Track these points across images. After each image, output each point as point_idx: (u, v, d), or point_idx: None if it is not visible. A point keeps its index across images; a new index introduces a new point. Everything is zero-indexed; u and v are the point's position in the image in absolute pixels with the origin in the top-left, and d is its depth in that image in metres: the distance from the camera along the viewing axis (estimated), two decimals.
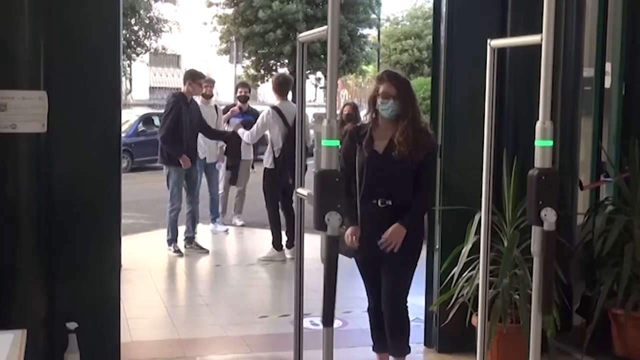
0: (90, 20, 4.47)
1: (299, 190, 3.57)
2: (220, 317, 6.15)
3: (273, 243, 8.20)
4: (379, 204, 4.28)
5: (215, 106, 9.55)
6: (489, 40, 3.70)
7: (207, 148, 9.29)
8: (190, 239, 8.63)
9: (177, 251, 8.41)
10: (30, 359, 2.42)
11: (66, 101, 4.33)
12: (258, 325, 5.95)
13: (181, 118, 8.14)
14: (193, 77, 8.56)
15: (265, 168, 8.06)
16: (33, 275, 4.19)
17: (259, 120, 8.24)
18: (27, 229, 4.24)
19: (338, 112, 10.29)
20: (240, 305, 6.63)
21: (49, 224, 4.29)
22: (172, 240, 8.42)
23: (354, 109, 9.94)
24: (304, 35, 3.69)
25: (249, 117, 9.76)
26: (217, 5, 29.89)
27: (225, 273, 8.03)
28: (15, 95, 4.16)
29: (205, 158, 9.34)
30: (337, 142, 2.80)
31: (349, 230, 4.35)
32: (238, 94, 10.11)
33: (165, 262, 8.18)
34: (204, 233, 9.40)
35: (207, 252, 8.62)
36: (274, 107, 8.06)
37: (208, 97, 9.32)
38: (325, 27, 3.26)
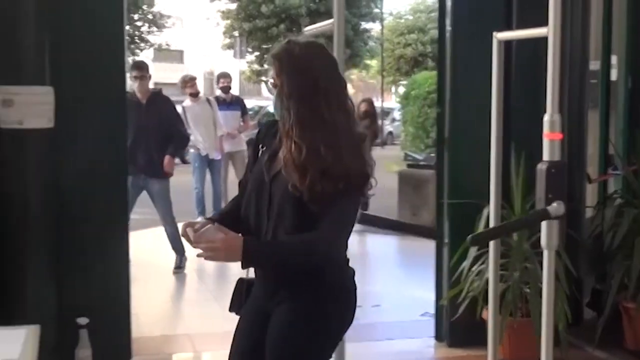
0: (96, 16, 4.47)
1: None
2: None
3: None
4: None
5: (208, 99, 9.50)
6: (494, 33, 3.70)
7: (207, 145, 9.27)
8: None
9: None
10: (41, 354, 2.43)
11: (72, 96, 4.34)
12: None
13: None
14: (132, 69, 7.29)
15: None
16: (43, 272, 4.20)
17: None
18: (36, 225, 4.24)
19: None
20: None
21: (58, 220, 4.30)
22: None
23: (371, 105, 9.92)
24: (309, 29, 3.70)
25: (235, 107, 9.76)
26: (219, 0, 29.90)
27: (233, 267, 8.02)
28: (22, 91, 4.16)
29: (207, 155, 9.34)
30: None
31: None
32: (220, 85, 10.04)
33: (174, 258, 8.19)
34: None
35: None
36: None
37: (195, 95, 9.25)
38: (330, 20, 3.28)
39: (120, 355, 4.63)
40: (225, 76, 10.36)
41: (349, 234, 2.58)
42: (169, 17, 30.87)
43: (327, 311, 2.60)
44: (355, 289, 2.70)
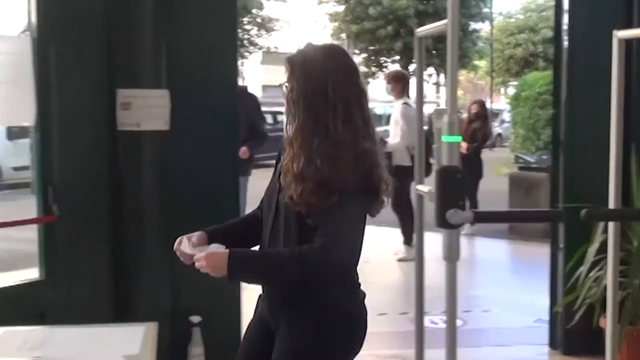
0: (209, 21, 4.56)
1: (419, 187, 3.55)
2: None
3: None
4: None
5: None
6: (614, 32, 3.57)
7: None
8: None
9: None
10: (158, 351, 2.48)
11: (186, 100, 4.44)
12: (377, 323, 5.93)
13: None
14: None
15: (399, 166, 7.56)
16: (158, 270, 4.31)
17: (402, 117, 7.90)
18: (151, 225, 4.35)
19: (464, 110, 10.13)
20: None
21: (172, 220, 4.40)
22: None
23: (482, 107, 9.81)
24: (422, 30, 3.66)
25: None
26: (327, 2, 30.09)
27: None
28: (140, 94, 4.29)
29: None
30: (458, 138, 2.77)
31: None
32: None
33: None
34: None
35: None
36: (406, 103, 7.96)
37: None
38: (443, 21, 3.23)
39: (231, 353, 4.65)
40: None
41: (353, 253, 2.41)
42: (277, 20, 31.28)
43: (323, 337, 2.45)
44: (363, 314, 2.55)
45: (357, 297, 2.56)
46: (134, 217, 4.32)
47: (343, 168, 2.33)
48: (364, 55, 30.16)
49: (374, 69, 30.34)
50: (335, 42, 25.12)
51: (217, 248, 2.43)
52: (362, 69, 30.31)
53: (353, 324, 2.53)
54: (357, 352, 2.56)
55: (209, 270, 2.38)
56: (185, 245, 2.51)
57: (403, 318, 5.93)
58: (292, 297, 2.45)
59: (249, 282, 2.64)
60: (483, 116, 9.91)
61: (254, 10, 29.67)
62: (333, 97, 2.38)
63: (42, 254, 4.08)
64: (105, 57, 4.27)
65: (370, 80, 30.91)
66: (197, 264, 2.40)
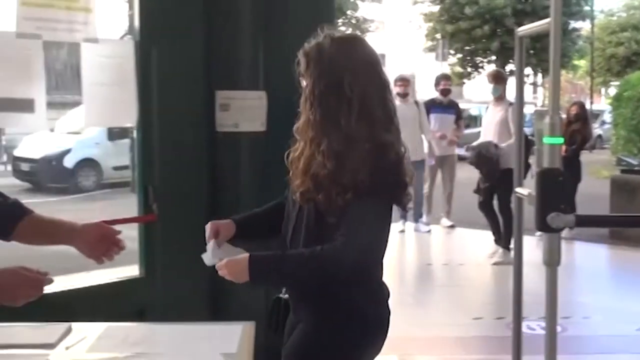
0: (307, 22, 4.57)
1: (518, 189, 3.49)
2: (432, 316, 6.13)
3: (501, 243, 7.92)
4: None
5: (416, 102, 9.52)
6: None
7: (409, 146, 9.30)
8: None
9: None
10: (255, 350, 2.51)
11: (282, 101, 4.46)
12: (472, 327, 5.87)
13: None
14: None
15: (509, 169, 7.41)
16: None
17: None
18: None
19: (562, 112, 9.88)
20: (453, 305, 6.57)
21: None
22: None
23: (582, 108, 9.62)
24: (523, 29, 3.60)
25: (450, 111, 9.69)
26: (422, 2, 29.88)
27: (435, 272, 8.00)
28: (237, 96, 4.34)
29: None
30: (560, 140, 2.72)
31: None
32: (442, 87, 9.95)
33: None
34: (407, 231, 9.51)
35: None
36: (512, 104, 7.76)
37: (403, 95, 9.31)
38: (545, 20, 3.17)
39: None
40: (446, 78, 10.36)
41: (373, 251, 2.32)
42: (372, 21, 31.24)
43: (337, 338, 2.39)
44: (383, 315, 2.47)
45: (376, 296, 2.48)
46: (230, 214, 4.37)
47: (352, 164, 2.26)
48: (459, 55, 29.79)
49: (469, 69, 29.93)
50: (431, 43, 24.69)
51: (233, 251, 2.48)
52: (457, 69, 29.99)
53: (369, 325, 2.43)
54: (373, 354, 2.48)
55: (231, 278, 2.39)
56: (209, 248, 2.51)
57: (499, 323, 5.83)
58: (309, 293, 2.43)
59: (272, 285, 2.62)
60: (583, 118, 9.68)
61: (348, 12, 29.71)
62: (349, 90, 2.30)
63: (141, 251, 4.18)
64: (205, 60, 4.35)
65: (465, 80, 30.56)
66: (219, 272, 2.41)
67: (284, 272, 2.36)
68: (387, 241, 2.37)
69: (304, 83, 2.45)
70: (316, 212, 2.34)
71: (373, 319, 2.44)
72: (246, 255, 2.36)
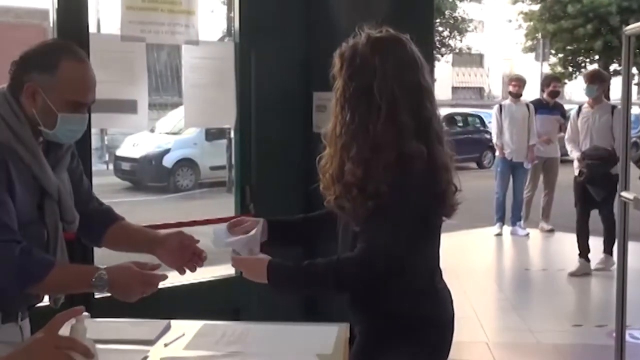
0: (405, 23, 4.54)
1: (624, 193, 3.39)
2: (530, 322, 6.01)
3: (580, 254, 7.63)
4: None
5: (527, 104, 9.38)
6: None
7: (515, 148, 9.19)
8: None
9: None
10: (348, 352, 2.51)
11: None
12: (572, 334, 5.73)
13: None
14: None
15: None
16: None
17: (616, 121, 7.28)
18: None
19: None
20: (551, 311, 6.42)
21: None
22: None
23: None
24: (632, 28, 3.50)
25: (555, 112, 9.51)
26: (522, 2, 29.34)
27: (533, 277, 7.84)
28: (333, 97, 4.36)
29: (511, 159, 9.24)
30: None
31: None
32: (551, 88, 9.69)
33: (474, 263, 8.17)
34: (504, 235, 9.37)
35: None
36: (615, 106, 7.45)
37: (516, 95, 9.27)
38: None
39: None
40: (556, 80, 10.19)
41: (394, 260, 2.21)
42: (470, 21, 30.90)
43: (390, 346, 2.31)
44: (442, 320, 2.39)
45: (434, 302, 2.39)
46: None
47: (377, 173, 2.17)
48: (560, 55, 29.13)
49: (570, 69, 29.24)
50: (531, 43, 24.05)
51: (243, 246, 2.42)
52: (558, 69, 29.33)
53: (426, 329, 2.35)
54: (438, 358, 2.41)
55: (249, 277, 2.36)
56: (219, 231, 2.48)
57: (600, 331, 5.68)
58: (357, 302, 2.38)
59: (291, 293, 2.56)
60: None
61: (447, 12, 29.46)
62: (378, 94, 2.19)
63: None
64: (303, 61, 4.39)
65: (566, 81, 29.86)
66: (232, 264, 2.41)
67: (300, 283, 2.34)
68: (420, 249, 2.31)
69: (336, 85, 2.33)
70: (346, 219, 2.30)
71: (431, 321, 2.37)
72: (265, 259, 2.32)
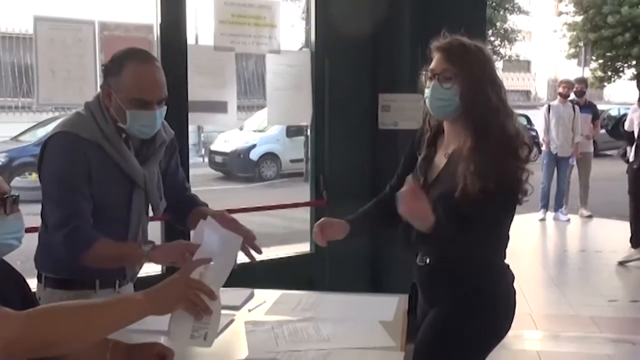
0: (461, 33, 4.49)
1: None
2: (569, 297, 5.88)
3: (631, 240, 7.23)
4: (418, 261, 2.43)
5: (574, 105, 9.19)
6: None
7: (560, 144, 9.05)
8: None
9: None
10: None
11: None
12: (607, 308, 5.58)
13: None
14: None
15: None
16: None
17: None
18: None
19: None
20: (589, 288, 6.27)
21: None
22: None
23: None
24: None
25: (587, 111, 9.37)
26: (566, 13, 28.59)
27: (572, 258, 7.66)
28: (398, 99, 4.34)
29: (556, 153, 9.10)
30: None
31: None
32: (575, 89, 9.54)
33: (520, 244, 8.01)
34: (547, 220, 9.19)
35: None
36: None
37: (564, 96, 9.12)
38: None
39: None
40: (581, 82, 9.99)
41: (500, 238, 2.30)
42: (519, 31, 30.29)
43: (468, 315, 2.27)
44: (508, 294, 2.39)
45: (504, 278, 2.41)
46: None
47: (494, 163, 2.13)
48: (600, 61, 28.29)
49: (610, 73, 28.38)
50: (574, 50, 23.43)
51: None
52: (598, 73, 28.49)
53: (497, 303, 2.36)
54: (503, 333, 2.40)
55: (414, 215, 2.14)
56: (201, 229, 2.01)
57: (634, 305, 5.53)
58: (447, 278, 2.31)
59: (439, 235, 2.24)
60: None
61: (497, 23, 28.93)
62: (499, 88, 2.22)
63: (313, 231, 4.26)
64: (370, 67, 4.38)
65: (606, 84, 29.04)
66: (401, 209, 2.12)
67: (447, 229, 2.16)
68: (506, 232, 2.34)
69: (439, 77, 2.32)
70: (451, 206, 2.16)
71: (502, 296, 2.39)
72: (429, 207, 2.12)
